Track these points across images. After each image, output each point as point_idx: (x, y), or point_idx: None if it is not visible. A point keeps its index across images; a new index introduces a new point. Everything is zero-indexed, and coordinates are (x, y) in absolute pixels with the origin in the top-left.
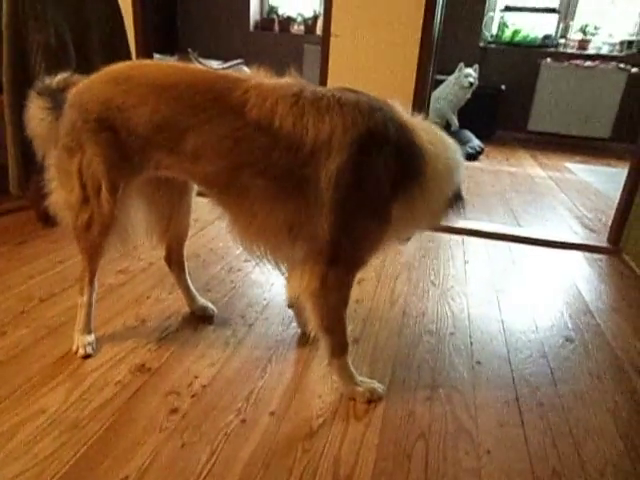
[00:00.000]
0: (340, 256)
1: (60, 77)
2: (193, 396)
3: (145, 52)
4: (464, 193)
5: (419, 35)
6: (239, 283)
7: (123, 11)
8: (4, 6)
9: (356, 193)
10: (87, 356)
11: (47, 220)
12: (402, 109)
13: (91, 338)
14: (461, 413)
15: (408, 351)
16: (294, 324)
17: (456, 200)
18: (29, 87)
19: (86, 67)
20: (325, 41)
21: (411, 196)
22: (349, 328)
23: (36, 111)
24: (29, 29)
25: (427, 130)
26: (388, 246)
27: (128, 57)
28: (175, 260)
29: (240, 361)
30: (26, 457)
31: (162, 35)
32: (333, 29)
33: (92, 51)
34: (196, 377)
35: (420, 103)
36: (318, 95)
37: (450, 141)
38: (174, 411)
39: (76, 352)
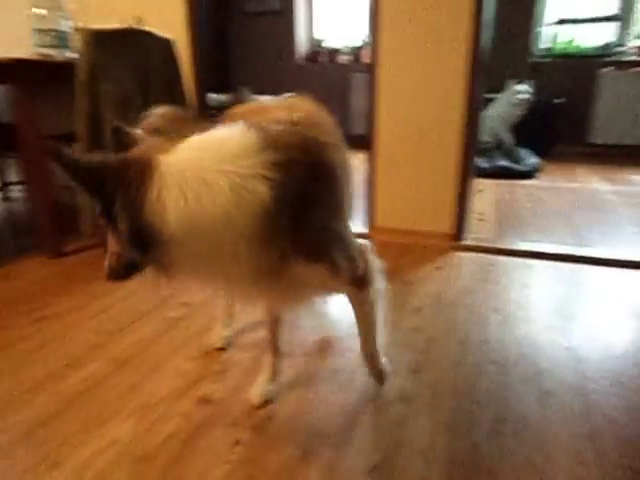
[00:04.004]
0: None
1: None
2: (255, 428)
3: (200, 93)
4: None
5: (467, 57)
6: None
7: (180, 57)
8: (81, 62)
9: None
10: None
11: None
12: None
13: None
14: (531, 448)
15: (471, 381)
16: (337, 353)
17: None
18: (100, 135)
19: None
20: (373, 70)
21: None
22: (408, 358)
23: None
24: (100, 82)
25: None
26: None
27: (183, 100)
28: None
29: (301, 392)
30: None
31: (215, 75)
32: (380, 58)
33: (153, 97)
34: (257, 408)
35: (471, 124)
36: None
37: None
38: (237, 443)
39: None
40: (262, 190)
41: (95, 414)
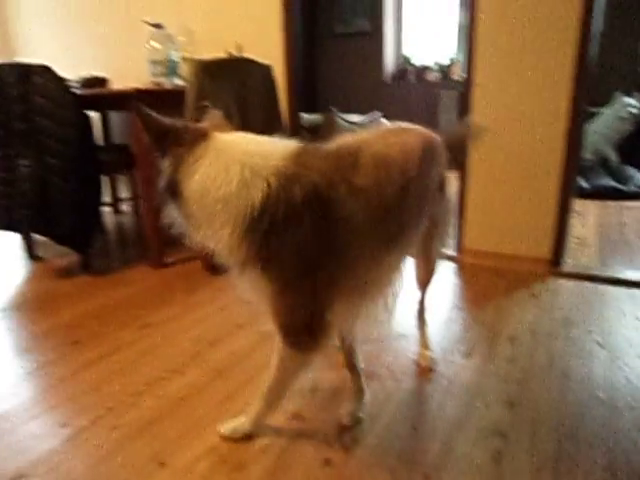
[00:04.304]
0: None
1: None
2: (344, 448)
3: (294, 113)
4: None
5: (572, 72)
6: (385, 336)
7: (277, 79)
8: (189, 89)
9: None
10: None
11: (213, 269)
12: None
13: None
14: None
15: (575, 421)
16: (428, 378)
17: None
18: None
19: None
20: (467, 87)
21: None
22: (502, 389)
23: None
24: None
25: None
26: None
27: (280, 121)
28: None
29: (389, 416)
30: None
31: (305, 95)
32: (475, 75)
33: (252, 118)
34: (347, 429)
35: (574, 141)
36: None
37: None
38: (327, 462)
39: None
40: (260, 191)
41: (195, 420)
